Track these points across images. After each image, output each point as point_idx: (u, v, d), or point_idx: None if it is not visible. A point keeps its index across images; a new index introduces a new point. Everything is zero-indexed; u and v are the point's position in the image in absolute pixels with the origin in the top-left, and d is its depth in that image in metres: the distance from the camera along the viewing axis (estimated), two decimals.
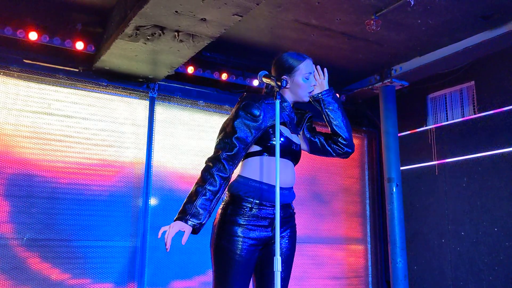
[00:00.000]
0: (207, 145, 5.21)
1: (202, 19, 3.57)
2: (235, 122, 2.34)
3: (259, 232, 2.33)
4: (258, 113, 2.35)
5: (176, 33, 3.80)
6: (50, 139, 4.47)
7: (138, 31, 3.74)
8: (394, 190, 5.32)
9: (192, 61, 4.98)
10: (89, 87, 4.71)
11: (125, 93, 4.88)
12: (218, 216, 2.38)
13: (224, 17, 3.54)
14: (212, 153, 2.36)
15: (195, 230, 2.23)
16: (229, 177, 2.32)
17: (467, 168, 5.24)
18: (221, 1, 3.29)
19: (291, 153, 2.47)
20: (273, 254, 2.32)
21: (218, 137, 2.40)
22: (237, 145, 2.31)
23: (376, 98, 5.88)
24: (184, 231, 2.20)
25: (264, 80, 2.46)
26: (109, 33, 4.22)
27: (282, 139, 2.41)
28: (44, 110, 4.49)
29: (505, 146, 4.89)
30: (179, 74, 5.02)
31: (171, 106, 5.12)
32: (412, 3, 3.94)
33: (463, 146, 5.30)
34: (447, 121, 5.55)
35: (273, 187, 2.33)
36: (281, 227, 2.42)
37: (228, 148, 2.30)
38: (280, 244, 2.43)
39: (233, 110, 2.44)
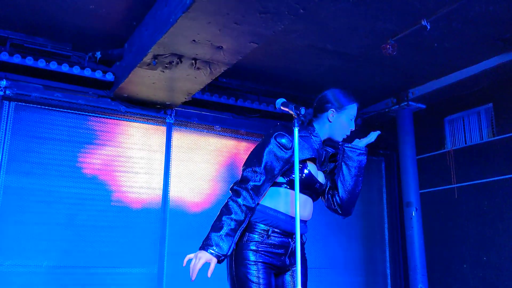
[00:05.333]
0: (224, 170, 5.22)
1: (219, 47, 3.61)
2: (266, 152, 2.34)
3: (274, 260, 2.35)
4: (290, 146, 2.33)
5: (193, 61, 3.85)
6: (69, 165, 4.52)
7: (156, 60, 3.80)
8: (414, 214, 5.24)
9: (208, 86, 5.04)
10: (107, 114, 4.77)
11: (143, 120, 4.94)
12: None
13: (241, 45, 3.58)
14: (240, 180, 2.35)
15: (219, 261, 2.24)
16: (255, 208, 2.32)
17: (487, 191, 5.14)
18: (238, 29, 3.33)
19: (313, 190, 2.46)
20: (289, 283, 2.41)
21: (247, 163, 2.38)
22: (265, 175, 2.31)
23: (393, 120, 5.85)
24: (210, 262, 2.21)
25: (282, 108, 2.46)
26: (128, 62, 4.30)
27: (306, 171, 2.40)
28: (64, 137, 4.55)
29: None
30: (196, 100, 5.06)
31: (188, 132, 5.15)
32: (429, 27, 3.95)
33: (483, 168, 5.22)
34: (466, 143, 5.48)
35: (290, 217, 2.36)
36: (292, 258, 2.44)
37: (256, 179, 2.30)
38: (294, 274, 2.45)
39: (265, 138, 2.41)
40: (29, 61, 4.34)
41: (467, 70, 4.86)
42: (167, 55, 3.73)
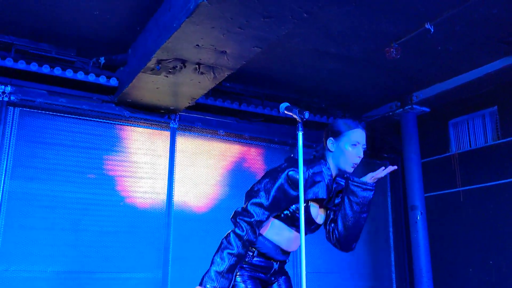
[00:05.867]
0: (228, 174, 5.21)
1: (222, 51, 3.62)
2: (275, 187, 2.30)
3: (258, 274, 2.41)
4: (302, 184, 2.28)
5: (197, 66, 3.85)
6: (74, 171, 4.52)
7: (160, 65, 3.81)
8: (419, 218, 5.22)
9: (212, 91, 5.05)
10: (111, 119, 4.78)
11: (147, 124, 4.94)
12: None
13: (244, 50, 3.58)
14: (244, 211, 2.30)
15: None
16: (256, 240, 2.35)
17: (493, 195, 5.11)
18: (241, 34, 3.33)
19: (307, 230, 2.44)
20: None
21: (253, 194, 2.33)
22: (270, 212, 2.32)
23: (397, 124, 5.84)
24: None
25: (286, 112, 2.46)
26: (132, 67, 4.31)
27: (303, 209, 2.36)
28: (69, 142, 4.56)
29: None
30: (199, 104, 5.07)
31: (192, 136, 5.15)
32: (432, 30, 3.94)
33: (488, 172, 5.20)
34: (470, 147, 5.46)
35: (277, 247, 2.41)
36: (276, 275, 2.50)
37: (261, 214, 2.28)
38: (281, 283, 2.52)
39: (277, 172, 2.36)
40: (34, 66, 4.36)
41: (471, 73, 4.85)
42: (170, 60, 3.73)
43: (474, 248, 5.23)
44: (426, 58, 4.63)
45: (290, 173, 2.32)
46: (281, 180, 2.32)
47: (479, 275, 5.13)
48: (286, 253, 2.48)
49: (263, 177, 2.39)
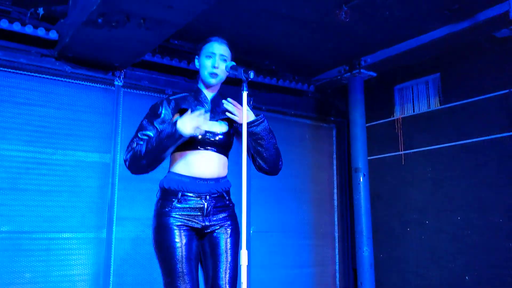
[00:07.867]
0: None
1: (168, 6, 3.48)
2: (142, 121, 2.53)
3: (190, 222, 2.42)
4: (160, 110, 2.49)
5: (142, 20, 3.70)
6: (11, 128, 4.31)
7: (102, 18, 3.63)
8: (361, 180, 5.39)
9: (159, 48, 4.89)
10: (52, 75, 4.55)
11: (90, 81, 4.74)
12: (153, 213, 2.50)
13: (192, 5, 3.47)
14: (127, 147, 2.55)
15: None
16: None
17: (431, 158, 5.35)
18: None
19: (211, 144, 2.50)
20: (215, 243, 2.48)
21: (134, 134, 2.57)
22: (145, 140, 2.45)
23: (345, 88, 5.92)
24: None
25: (232, 71, 2.49)
26: (73, 19, 4.08)
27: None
28: (6, 97, 4.32)
29: (467, 137, 5.01)
30: (146, 62, 4.91)
31: (138, 95, 5.01)
32: None
33: (428, 136, 5.41)
34: (413, 112, 5.64)
35: (194, 178, 2.44)
36: (214, 216, 2.49)
37: (136, 143, 2.47)
38: (223, 234, 2.51)
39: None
40: None
41: (417, 39, 4.94)
42: (113, 13, 3.56)
43: (411, 209, 5.49)
44: (374, 23, 4.67)
45: (150, 108, 2.56)
46: (145, 115, 2.56)
47: (415, 234, 5.42)
48: (210, 181, 2.48)
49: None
